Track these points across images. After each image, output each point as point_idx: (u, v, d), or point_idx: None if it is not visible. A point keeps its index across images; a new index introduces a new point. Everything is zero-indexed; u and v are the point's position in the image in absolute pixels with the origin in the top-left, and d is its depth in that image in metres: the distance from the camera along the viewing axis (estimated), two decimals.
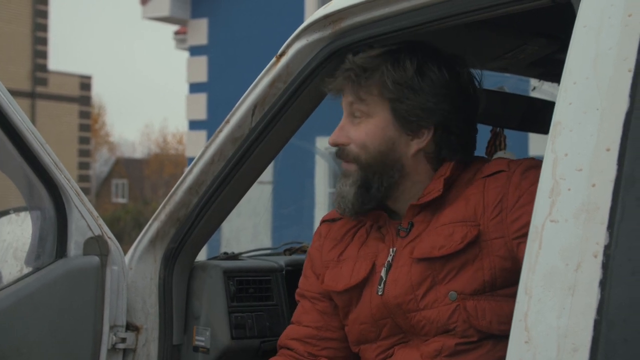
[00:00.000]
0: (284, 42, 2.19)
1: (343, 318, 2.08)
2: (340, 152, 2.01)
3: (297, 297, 2.22)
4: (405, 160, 1.98)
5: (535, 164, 1.92)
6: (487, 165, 1.98)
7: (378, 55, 1.98)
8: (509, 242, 1.85)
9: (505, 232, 1.85)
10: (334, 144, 2.01)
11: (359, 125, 1.98)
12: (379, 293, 1.96)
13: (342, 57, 2.04)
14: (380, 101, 1.97)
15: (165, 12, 13.43)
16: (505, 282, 1.85)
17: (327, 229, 2.17)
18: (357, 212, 2.00)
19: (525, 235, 1.78)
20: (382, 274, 1.97)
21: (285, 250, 3.05)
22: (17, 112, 2.15)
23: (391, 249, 1.98)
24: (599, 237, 1.30)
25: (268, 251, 3.10)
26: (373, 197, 1.98)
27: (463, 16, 1.82)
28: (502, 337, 1.83)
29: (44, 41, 27.39)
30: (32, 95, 26.86)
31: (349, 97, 1.99)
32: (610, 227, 1.29)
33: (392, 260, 1.97)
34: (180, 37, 14.87)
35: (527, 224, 1.80)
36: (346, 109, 2.01)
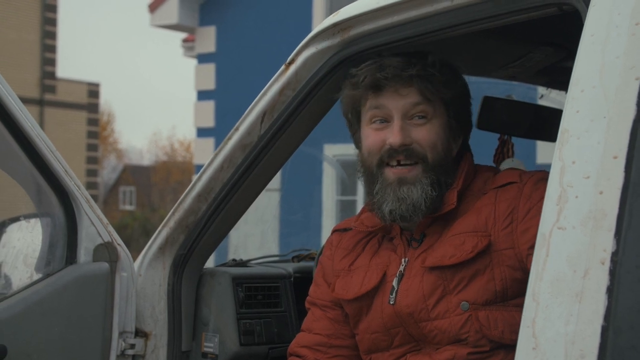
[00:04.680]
0: (291, 50, 2.20)
1: (353, 327, 2.08)
2: (405, 152, 1.95)
3: (307, 305, 2.22)
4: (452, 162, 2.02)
5: (546, 176, 1.92)
6: (499, 176, 1.99)
7: (438, 56, 2.00)
8: (518, 253, 1.85)
9: (515, 243, 1.86)
10: (402, 145, 1.94)
11: (423, 125, 1.96)
12: (391, 302, 1.97)
13: (377, 59, 2.01)
14: (442, 103, 1.99)
15: (173, 19, 13.45)
16: (516, 292, 1.85)
17: (339, 238, 2.18)
18: (425, 214, 1.95)
19: (534, 247, 1.80)
20: (394, 283, 1.97)
21: (293, 257, 3.06)
22: (28, 120, 2.16)
23: (403, 259, 1.99)
24: (607, 244, 1.30)
25: (276, 258, 3.10)
26: (443, 195, 1.96)
27: (471, 25, 1.83)
28: (514, 347, 1.83)
29: (52, 49, 27.46)
30: (40, 103, 26.91)
31: (412, 98, 1.96)
32: (618, 234, 1.29)
33: (404, 270, 1.98)
34: (188, 44, 14.90)
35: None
36: (402, 110, 1.96)
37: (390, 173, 1.96)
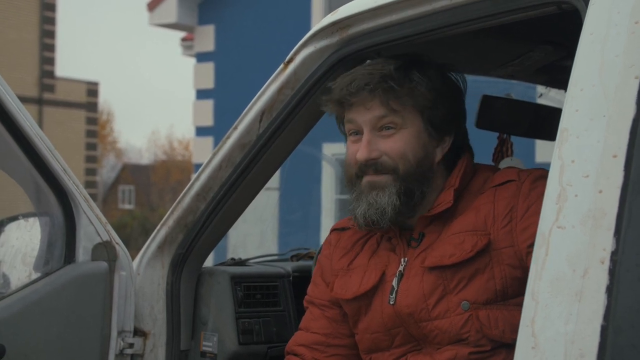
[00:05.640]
0: (290, 49, 2.20)
1: (353, 327, 2.08)
2: (374, 166, 1.95)
3: (305, 304, 2.21)
4: (434, 167, 1.99)
5: (544, 174, 1.92)
6: (497, 174, 1.99)
7: (403, 64, 1.97)
8: (518, 251, 1.85)
9: (515, 242, 1.86)
10: (368, 160, 1.94)
11: (392, 137, 1.95)
12: (391, 302, 1.96)
13: (350, 71, 2.00)
14: (413, 110, 1.96)
15: (172, 18, 13.44)
16: (516, 291, 1.85)
17: (337, 237, 2.17)
18: (394, 222, 1.96)
19: (534, 245, 1.80)
20: (394, 283, 1.97)
21: (292, 257, 3.06)
22: (27, 119, 2.16)
23: (403, 259, 1.99)
24: (606, 243, 1.30)
25: (275, 257, 3.10)
26: (414, 205, 1.96)
27: (469, 23, 1.83)
28: (515, 347, 1.83)
29: (51, 48, 27.47)
30: (39, 102, 26.93)
31: (377, 110, 1.95)
32: (617, 233, 1.29)
33: (403, 270, 1.97)
34: (187, 43, 14.88)
35: (536, 234, 1.81)
36: (370, 123, 1.95)
37: (364, 181, 1.97)
